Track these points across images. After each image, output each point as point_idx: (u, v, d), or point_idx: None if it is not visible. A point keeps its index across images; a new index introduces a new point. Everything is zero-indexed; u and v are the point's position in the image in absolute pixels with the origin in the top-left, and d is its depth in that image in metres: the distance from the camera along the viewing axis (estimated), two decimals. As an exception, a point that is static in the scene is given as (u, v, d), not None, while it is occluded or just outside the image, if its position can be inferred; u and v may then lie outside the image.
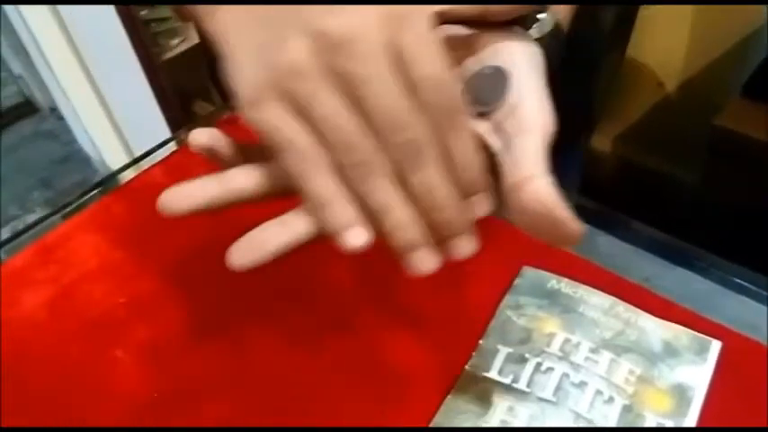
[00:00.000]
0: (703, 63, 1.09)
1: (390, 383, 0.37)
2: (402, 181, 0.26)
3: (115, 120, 1.50)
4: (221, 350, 0.39)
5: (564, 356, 0.37)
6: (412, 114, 0.25)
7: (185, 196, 0.28)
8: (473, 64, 0.31)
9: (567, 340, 0.37)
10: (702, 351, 0.37)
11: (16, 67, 1.88)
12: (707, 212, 0.91)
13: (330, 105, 0.25)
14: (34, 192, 1.77)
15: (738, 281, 0.41)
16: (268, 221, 0.27)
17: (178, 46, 1.39)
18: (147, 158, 0.53)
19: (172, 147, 0.54)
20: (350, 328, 0.40)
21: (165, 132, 1.39)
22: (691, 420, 0.34)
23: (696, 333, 0.38)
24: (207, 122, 0.55)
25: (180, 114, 1.36)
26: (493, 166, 0.29)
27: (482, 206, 0.27)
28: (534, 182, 0.27)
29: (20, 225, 0.49)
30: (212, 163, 0.29)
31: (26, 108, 2.03)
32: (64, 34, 1.36)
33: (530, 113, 0.29)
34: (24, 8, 1.32)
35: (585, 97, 0.94)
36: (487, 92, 0.30)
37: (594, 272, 0.42)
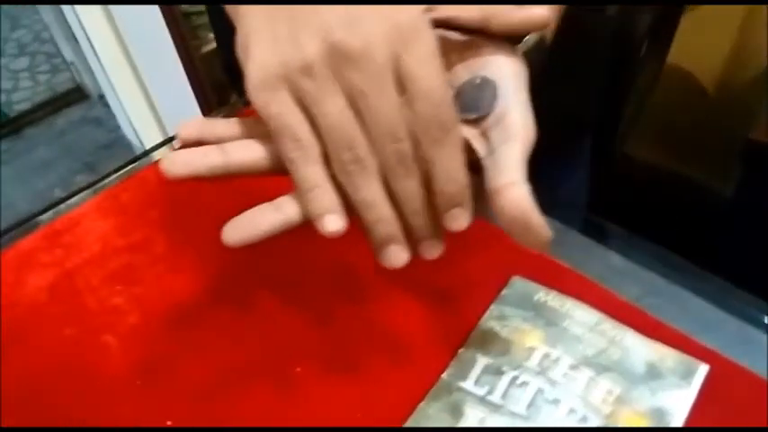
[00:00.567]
0: (746, 74, 1.05)
1: (366, 385, 0.37)
2: (387, 183, 0.29)
3: (156, 109, 1.54)
4: (210, 343, 0.40)
5: (541, 371, 0.36)
6: (405, 128, 0.27)
7: (188, 162, 0.30)
8: (462, 71, 0.33)
9: (546, 355, 0.37)
10: (688, 375, 0.36)
11: (68, 54, 1.95)
12: (736, 225, 0.88)
13: (333, 105, 0.27)
14: (78, 175, 1.84)
15: (737, 303, 0.40)
16: (262, 204, 0.30)
17: (217, 39, 1.41)
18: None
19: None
20: (332, 326, 0.40)
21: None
22: (666, 446, 0.33)
23: (683, 355, 0.36)
24: (230, 111, 0.56)
25: (216, 105, 1.39)
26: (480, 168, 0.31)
27: (459, 221, 0.29)
28: (513, 188, 0.28)
29: (63, 208, 0.51)
30: None
31: (77, 94, 2.10)
32: (111, 25, 1.40)
33: (514, 124, 0.30)
34: (74, -3, 1.36)
35: (616, 101, 0.92)
36: (477, 101, 0.32)
37: (587, 286, 0.41)
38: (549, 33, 0.36)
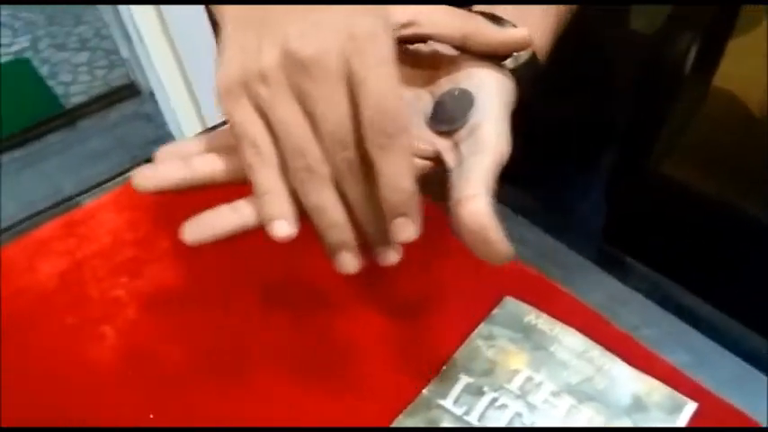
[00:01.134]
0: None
1: (347, 396, 0.37)
2: (341, 189, 0.29)
3: (200, 106, 1.58)
4: (201, 339, 0.41)
5: (521, 395, 0.35)
6: (353, 136, 0.27)
7: (153, 176, 0.31)
8: (446, 83, 0.33)
9: (529, 378, 0.36)
10: (674, 411, 0.34)
11: (124, 51, 2.01)
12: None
13: (287, 113, 0.27)
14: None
15: (736, 340, 0.38)
16: (221, 205, 0.30)
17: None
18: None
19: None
20: (318, 334, 0.41)
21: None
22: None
23: (672, 390, 0.35)
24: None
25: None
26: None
27: (403, 231, 0.28)
28: (474, 201, 0.28)
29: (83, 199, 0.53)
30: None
31: (130, 90, 2.17)
32: (161, 24, 1.45)
33: (486, 137, 0.30)
34: (129, -3, 1.42)
35: (652, 121, 0.90)
36: (452, 112, 0.32)
37: (581, 312, 0.40)
38: (544, 50, 0.35)
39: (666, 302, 0.41)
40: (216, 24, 0.33)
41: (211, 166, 0.31)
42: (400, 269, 0.40)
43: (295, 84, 0.27)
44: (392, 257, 0.30)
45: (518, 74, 0.33)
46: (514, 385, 0.36)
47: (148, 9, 1.41)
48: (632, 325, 0.40)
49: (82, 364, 0.40)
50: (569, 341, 0.38)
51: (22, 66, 2.04)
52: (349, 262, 0.30)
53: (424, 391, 0.37)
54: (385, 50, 0.27)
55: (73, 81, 2.21)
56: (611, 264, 0.45)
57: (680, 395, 0.35)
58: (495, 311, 0.40)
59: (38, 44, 2.38)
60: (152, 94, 2.01)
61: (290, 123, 0.27)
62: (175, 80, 1.55)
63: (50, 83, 2.11)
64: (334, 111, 0.27)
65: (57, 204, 0.53)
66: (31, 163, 2.10)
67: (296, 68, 0.27)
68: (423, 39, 0.32)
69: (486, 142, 0.30)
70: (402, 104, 0.27)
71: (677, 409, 0.34)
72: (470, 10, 0.33)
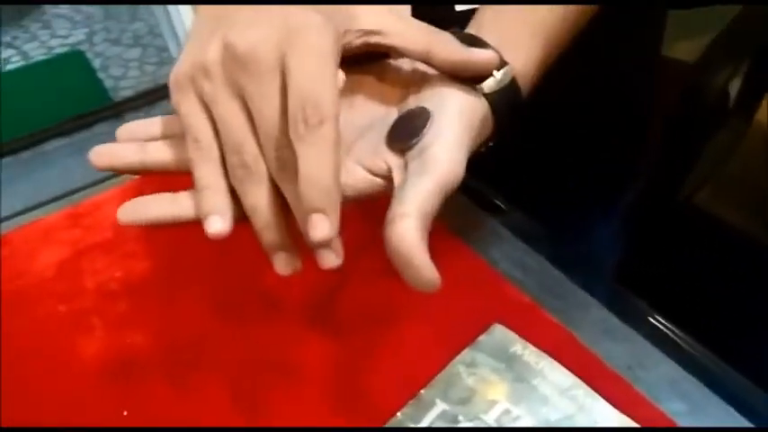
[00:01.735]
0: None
1: (322, 412, 0.37)
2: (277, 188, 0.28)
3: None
4: (189, 338, 0.41)
5: (497, 428, 0.34)
6: (286, 134, 0.26)
7: (107, 154, 0.31)
8: (413, 101, 0.32)
9: (506, 411, 0.35)
10: (657, 460, 0.33)
11: (174, 48, 2.07)
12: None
13: (226, 108, 0.27)
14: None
15: (732, 390, 0.36)
16: (163, 193, 0.30)
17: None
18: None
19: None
20: (303, 347, 0.40)
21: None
22: None
23: (656, 438, 0.33)
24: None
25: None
26: None
27: (316, 228, 0.26)
28: (403, 222, 0.26)
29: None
30: None
31: (176, 87, 2.23)
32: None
33: (434, 158, 0.29)
34: (177, -2, 1.45)
35: (691, 153, 0.87)
36: (407, 129, 0.31)
37: (572, 347, 0.38)
38: (528, 79, 0.34)
39: (664, 344, 0.39)
40: None
41: (163, 153, 0.30)
42: (390, 285, 0.40)
43: (234, 78, 0.27)
44: (331, 260, 0.27)
45: (494, 99, 0.32)
46: (491, 417, 0.35)
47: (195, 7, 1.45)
48: (626, 365, 0.38)
49: (68, 352, 0.40)
50: (554, 376, 0.36)
51: (76, 57, 2.11)
52: (285, 264, 0.29)
53: (399, 414, 0.36)
54: (316, 40, 0.26)
55: (123, 76, 2.27)
56: (616, 303, 0.43)
57: (664, 444, 0.33)
58: (481, 338, 0.39)
59: (93, 37, 2.46)
60: (196, 93, 2.06)
61: (229, 119, 0.27)
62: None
63: (101, 75, 2.18)
64: (268, 105, 0.26)
65: (70, 193, 0.55)
66: (80, 150, 2.17)
67: (234, 63, 0.27)
68: (387, 49, 0.31)
69: (432, 164, 0.28)
70: (328, 94, 0.25)
71: (660, 458, 0.33)
72: (453, 32, 0.32)
